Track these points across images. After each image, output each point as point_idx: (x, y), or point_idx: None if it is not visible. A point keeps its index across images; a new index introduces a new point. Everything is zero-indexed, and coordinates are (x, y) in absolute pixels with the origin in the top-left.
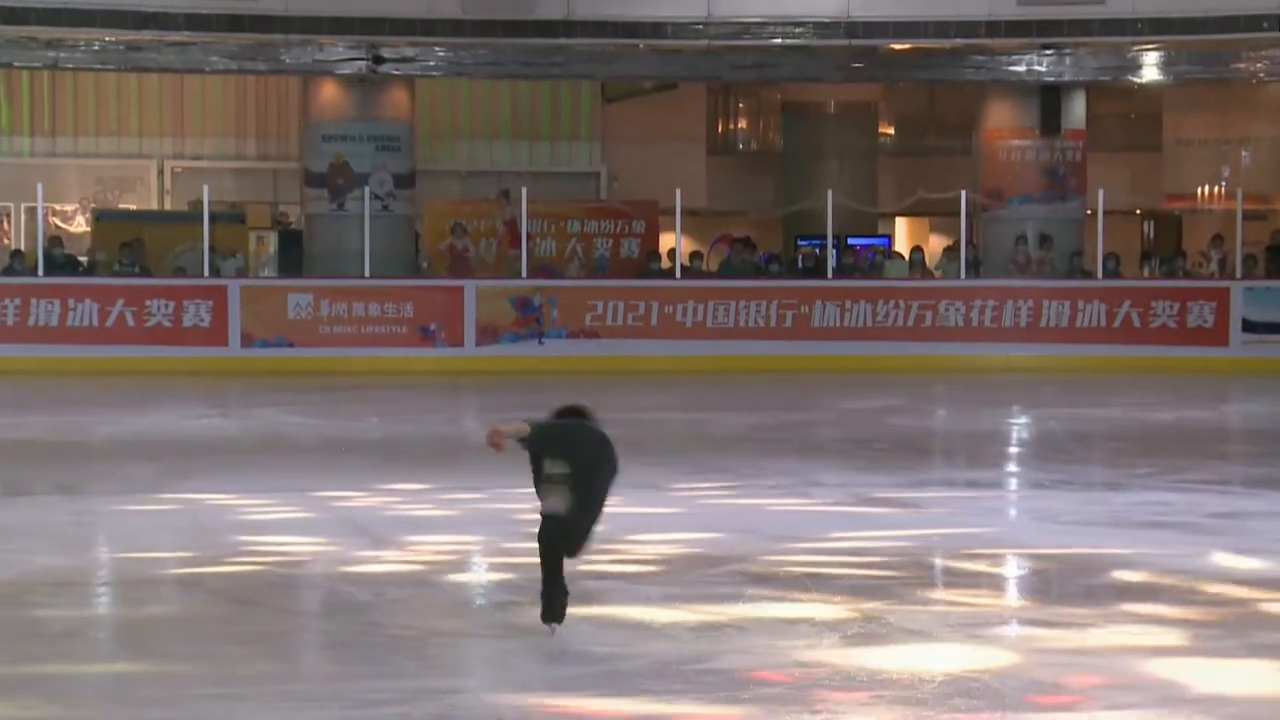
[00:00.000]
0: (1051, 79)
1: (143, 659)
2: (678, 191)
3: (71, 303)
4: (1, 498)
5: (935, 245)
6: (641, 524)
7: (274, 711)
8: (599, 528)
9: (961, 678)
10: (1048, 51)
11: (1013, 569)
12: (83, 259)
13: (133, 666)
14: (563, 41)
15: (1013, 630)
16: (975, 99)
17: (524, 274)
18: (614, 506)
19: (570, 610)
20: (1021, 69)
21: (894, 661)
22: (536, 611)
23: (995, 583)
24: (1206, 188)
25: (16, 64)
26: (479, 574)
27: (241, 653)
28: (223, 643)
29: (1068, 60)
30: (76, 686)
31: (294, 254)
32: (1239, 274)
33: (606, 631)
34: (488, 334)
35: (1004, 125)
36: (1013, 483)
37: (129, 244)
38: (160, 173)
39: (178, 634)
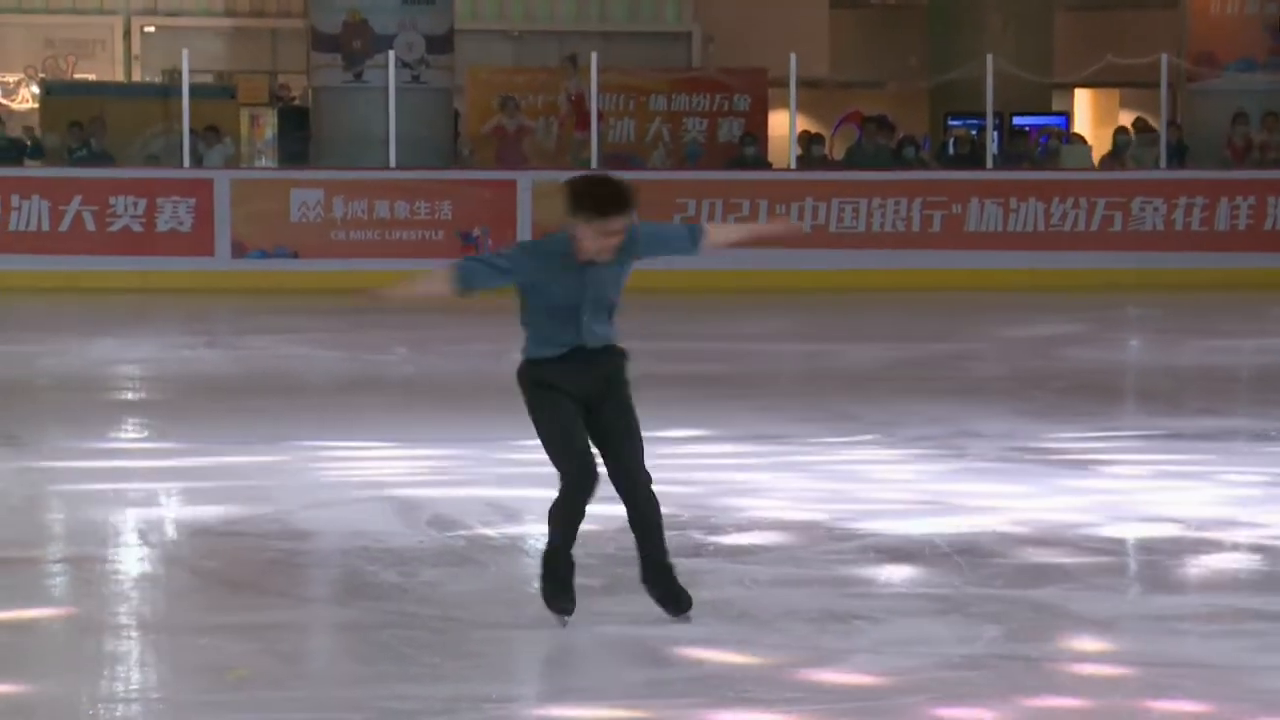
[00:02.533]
0: None
1: (110, 655)
2: (792, 57)
3: (15, 200)
4: None
5: (1126, 125)
6: (747, 487)
7: None
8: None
9: (1158, 684)
10: None
11: (1227, 549)
12: (29, 143)
13: (96, 664)
14: None
15: (1225, 628)
16: None
17: (593, 164)
18: (711, 464)
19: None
20: None
21: (1073, 660)
22: (611, 599)
23: (1204, 567)
24: None
25: None
26: (534, 550)
27: (234, 649)
28: (210, 636)
29: None
30: (23, 689)
31: (299, 138)
32: None
33: (700, 624)
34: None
35: None
36: (1228, 434)
37: (80, 123)
38: (127, 34)
39: (153, 624)
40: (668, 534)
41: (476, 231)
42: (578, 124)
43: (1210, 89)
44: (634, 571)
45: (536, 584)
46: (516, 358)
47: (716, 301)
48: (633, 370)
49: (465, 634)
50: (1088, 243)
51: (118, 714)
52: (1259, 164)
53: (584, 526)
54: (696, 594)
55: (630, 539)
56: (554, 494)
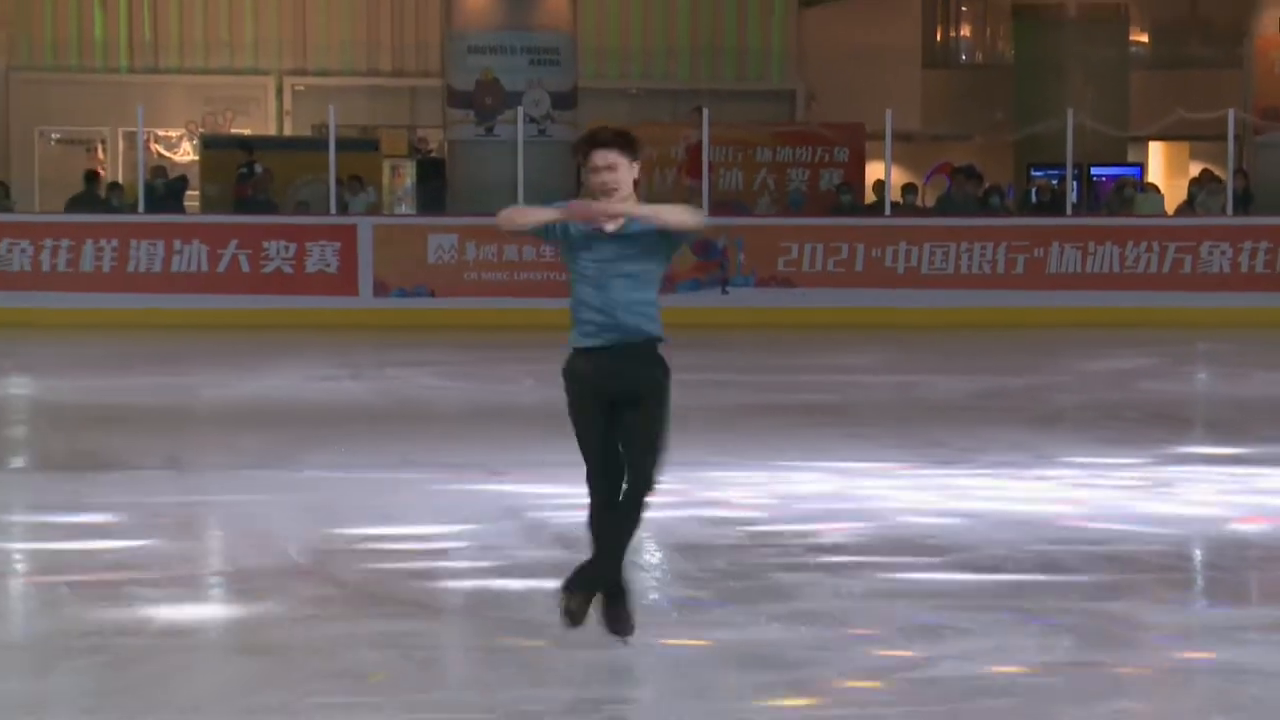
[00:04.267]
0: None
1: (260, 662)
2: (888, 113)
3: (177, 244)
4: (96, 473)
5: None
6: (842, 507)
7: None
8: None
9: (1225, 690)
10: None
11: None
12: (193, 193)
13: (248, 670)
14: None
15: None
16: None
17: (704, 210)
18: (811, 486)
19: (757, 607)
20: None
21: (1142, 671)
22: (721, 610)
23: (1268, 580)
24: None
25: None
26: (651, 564)
27: (375, 655)
28: (352, 644)
29: None
30: (185, 692)
31: (435, 187)
32: None
33: (801, 632)
34: (663, 282)
35: None
36: None
37: (249, 144)
38: (279, 92)
39: (300, 633)
40: (774, 548)
41: None
42: (690, 172)
43: (1274, 141)
44: (744, 581)
45: (652, 596)
46: None
47: (815, 335)
48: (739, 400)
49: (586, 642)
50: (1160, 284)
51: (266, 712)
52: None
53: (694, 541)
54: (798, 605)
55: (737, 550)
56: (668, 516)
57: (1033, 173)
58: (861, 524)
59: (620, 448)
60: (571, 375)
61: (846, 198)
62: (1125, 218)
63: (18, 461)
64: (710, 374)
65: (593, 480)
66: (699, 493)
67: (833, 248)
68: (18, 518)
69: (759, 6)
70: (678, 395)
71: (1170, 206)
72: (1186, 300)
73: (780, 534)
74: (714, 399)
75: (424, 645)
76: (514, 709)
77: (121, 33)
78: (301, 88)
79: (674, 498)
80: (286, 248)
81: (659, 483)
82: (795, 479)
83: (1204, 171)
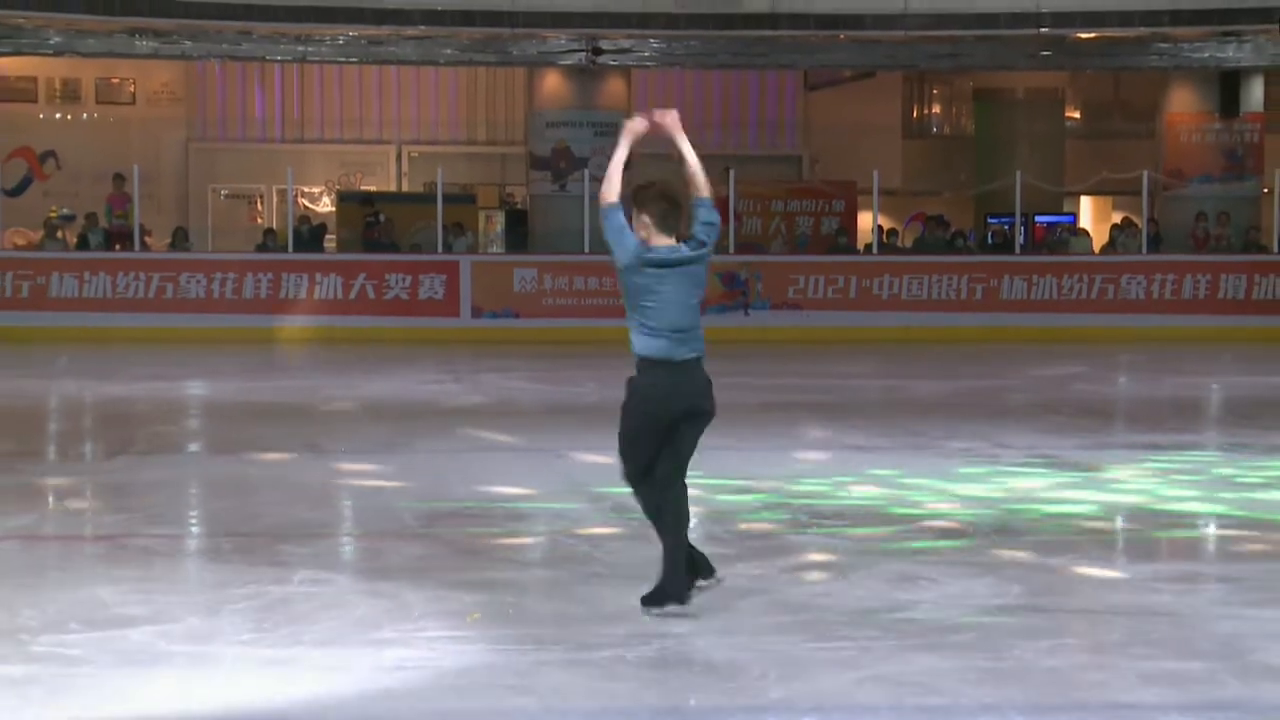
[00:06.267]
0: (1232, 65)
1: (382, 604)
2: (875, 173)
3: (318, 277)
4: (255, 455)
5: (1116, 221)
6: (843, 482)
7: (500, 654)
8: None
9: (1140, 629)
10: (1228, 39)
11: (1193, 528)
12: (330, 237)
13: (373, 611)
14: (769, 33)
15: (1190, 587)
16: (1158, 84)
17: (730, 250)
18: (816, 465)
19: (772, 561)
20: (1204, 55)
21: (1077, 611)
22: (744, 565)
23: (1176, 542)
24: None
25: (269, 58)
26: (690, 529)
27: (471, 598)
28: (454, 589)
29: (1248, 47)
30: (319, 625)
31: (520, 232)
32: None
33: (806, 580)
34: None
35: (1186, 109)
36: (1195, 445)
37: (372, 199)
38: (398, 157)
39: (413, 581)
40: (785, 515)
41: None
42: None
43: (1179, 195)
44: (761, 542)
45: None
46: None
47: (818, 349)
48: (758, 399)
49: (638, 589)
50: (1089, 308)
51: (388, 644)
52: (1214, 250)
53: (722, 509)
54: (804, 560)
55: (756, 516)
56: (699, 490)
57: (989, 220)
58: (855, 495)
59: (665, 455)
60: (658, 388)
61: (842, 240)
62: (1062, 255)
63: (193, 446)
64: (735, 379)
65: (639, 477)
66: (726, 471)
67: (832, 279)
68: (192, 490)
69: (775, 90)
70: None
71: (1097, 246)
72: (1110, 320)
73: (790, 504)
74: (738, 399)
75: (511, 590)
76: (580, 641)
77: (275, 111)
78: (416, 154)
79: (707, 476)
80: (403, 279)
81: None
82: (802, 461)
83: (1124, 219)
